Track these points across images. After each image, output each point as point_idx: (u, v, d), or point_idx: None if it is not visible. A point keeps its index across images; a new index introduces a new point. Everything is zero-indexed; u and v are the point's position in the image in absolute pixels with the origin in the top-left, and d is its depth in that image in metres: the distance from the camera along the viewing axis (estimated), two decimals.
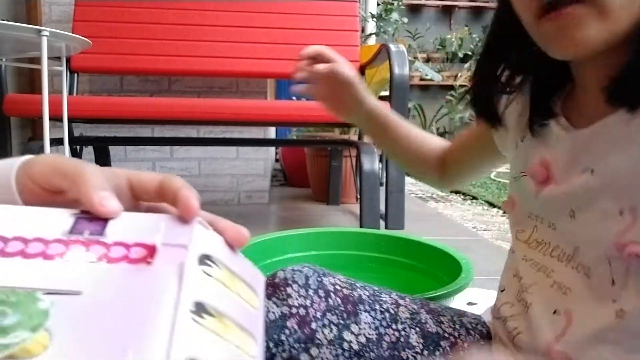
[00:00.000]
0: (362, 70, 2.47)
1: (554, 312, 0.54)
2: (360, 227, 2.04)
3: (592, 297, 0.52)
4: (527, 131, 0.58)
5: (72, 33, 1.76)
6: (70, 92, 2.32)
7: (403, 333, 0.62)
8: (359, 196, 2.30)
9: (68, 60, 2.22)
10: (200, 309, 0.26)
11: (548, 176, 0.55)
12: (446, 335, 0.63)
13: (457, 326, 0.65)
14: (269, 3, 2.52)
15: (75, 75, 2.44)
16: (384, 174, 2.26)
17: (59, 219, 0.29)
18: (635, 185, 0.47)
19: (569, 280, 0.54)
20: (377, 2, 3.13)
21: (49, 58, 1.48)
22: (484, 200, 3.23)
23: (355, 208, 2.41)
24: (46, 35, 1.44)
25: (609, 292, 0.50)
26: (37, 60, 1.61)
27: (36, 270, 0.26)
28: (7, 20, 1.55)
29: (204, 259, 0.29)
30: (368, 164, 2.04)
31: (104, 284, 0.26)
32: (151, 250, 0.28)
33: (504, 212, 0.67)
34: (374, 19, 3.04)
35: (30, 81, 2.55)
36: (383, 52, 2.15)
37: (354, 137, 2.85)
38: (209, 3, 2.49)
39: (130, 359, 0.22)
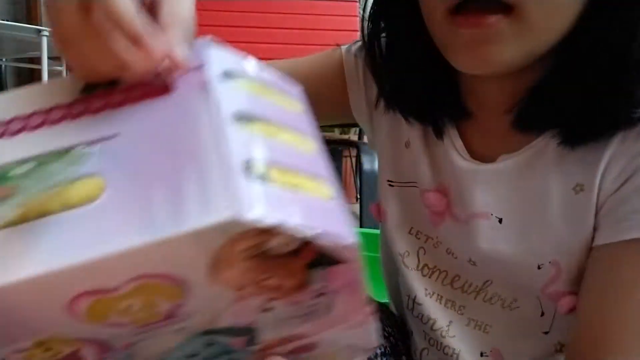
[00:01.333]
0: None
1: (481, 354, 0.49)
2: (360, 227, 2.04)
3: (518, 332, 0.47)
4: (416, 139, 0.50)
5: None
6: None
7: None
8: (358, 196, 2.30)
9: None
10: (241, 116, 0.25)
11: (447, 207, 0.48)
12: None
13: None
14: (269, 3, 2.52)
15: None
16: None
17: (70, 84, 0.28)
18: (553, 239, 0.43)
19: (485, 315, 0.48)
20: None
21: (49, 58, 1.48)
22: None
23: (355, 208, 2.41)
24: (46, 35, 1.44)
25: (539, 323, 0.46)
26: (37, 60, 1.61)
27: (66, 130, 0.26)
28: (7, 20, 1.55)
29: (227, 75, 0.27)
30: (368, 164, 2.04)
31: (136, 122, 0.25)
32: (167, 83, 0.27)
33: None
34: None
35: (30, 81, 2.54)
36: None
37: (354, 137, 2.85)
38: (209, 3, 2.49)
39: (191, 178, 0.22)
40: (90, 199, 0.22)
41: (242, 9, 2.52)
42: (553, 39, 0.38)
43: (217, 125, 0.24)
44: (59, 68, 1.73)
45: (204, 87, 0.25)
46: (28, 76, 2.54)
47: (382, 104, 0.52)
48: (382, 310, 0.60)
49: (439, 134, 0.48)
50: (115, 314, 0.24)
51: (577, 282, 0.43)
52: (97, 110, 0.26)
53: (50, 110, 0.27)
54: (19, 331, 0.23)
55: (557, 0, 0.36)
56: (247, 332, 0.30)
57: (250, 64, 0.30)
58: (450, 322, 0.50)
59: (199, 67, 0.27)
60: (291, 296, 0.29)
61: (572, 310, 0.44)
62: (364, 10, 0.50)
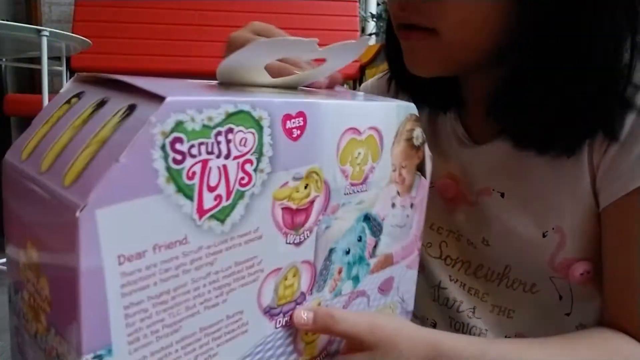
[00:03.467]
0: (362, 70, 2.47)
1: (506, 337, 0.52)
2: None
3: (540, 315, 0.49)
4: (427, 138, 0.54)
5: (72, 33, 1.76)
6: None
7: None
8: None
9: (68, 60, 2.22)
10: None
11: (457, 193, 0.52)
12: None
13: None
14: (269, 3, 2.52)
15: (75, 75, 2.44)
16: None
17: None
18: (552, 206, 0.46)
19: (508, 300, 0.51)
20: (377, 2, 3.13)
21: (49, 58, 1.48)
22: None
23: None
24: (46, 35, 1.44)
25: (559, 306, 0.48)
26: (37, 60, 1.61)
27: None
28: (7, 20, 1.55)
29: None
30: None
31: None
32: None
33: None
34: (374, 19, 3.04)
35: (30, 81, 2.55)
36: (383, 52, 2.15)
37: None
38: (209, 3, 2.49)
39: None
40: None
41: (242, 9, 2.52)
42: (478, 51, 0.44)
43: None
44: (59, 68, 1.73)
45: None
46: (28, 76, 2.54)
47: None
48: None
49: (444, 110, 0.54)
50: (351, 160, 0.35)
51: (585, 249, 0.45)
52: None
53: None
54: (309, 153, 0.32)
55: (470, 25, 0.41)
56: (379, 232, 0.39)
57: None
58: (475, 307, 0.53)
59: None
60: (404, 195, 0.41)
61: (583, 275, 0.46)
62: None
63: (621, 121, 0.41)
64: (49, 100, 1.50)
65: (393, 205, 0.40)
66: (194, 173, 0.26)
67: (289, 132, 0.30)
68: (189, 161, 0.25)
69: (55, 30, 1.48)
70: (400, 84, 0.55)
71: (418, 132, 0.41)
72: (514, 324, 0.51)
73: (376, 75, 0.65)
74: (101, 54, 2.31)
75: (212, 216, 0.27)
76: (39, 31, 1.43)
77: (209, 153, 0.26)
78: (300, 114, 0.31)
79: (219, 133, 0.26)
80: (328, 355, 0.38)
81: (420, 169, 0.42)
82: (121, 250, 0.24)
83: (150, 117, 0.23)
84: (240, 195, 0.28)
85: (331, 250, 0.36)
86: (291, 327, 0.34)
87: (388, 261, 0.41)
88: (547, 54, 0.41)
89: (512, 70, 0.44)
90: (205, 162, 0.26)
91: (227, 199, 0.27)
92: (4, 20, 1.55)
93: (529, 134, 0.45)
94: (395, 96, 0.55)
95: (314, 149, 0.32)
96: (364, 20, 2.93)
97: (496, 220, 0.49)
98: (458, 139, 0.52)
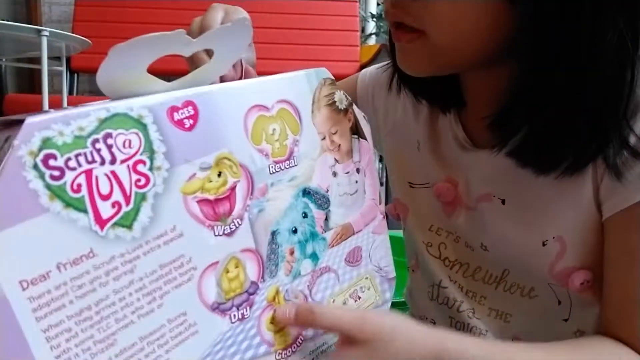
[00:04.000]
0: (362, 70, 2.47)
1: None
2: None
3: (538, 319, 0.49)
4: (425, 141, 0.54)
5: (72, 33, 1.76)
6: (70, 92, 2.32)
7: None
8: None
9: (68, 60, 2.22)
10: None
11: (456, 197, 0.51)
12: None
13: None
14: (269, 3, 2.52)
15: (75, 75, 2.44)
16: (384, 174, 2.26)
17: None
18: (554, 215, 0.44)
19: (506, 304, 0.50)
20: (377, 2, 3.13)
21: (49, 58, 1.48)
22: None
23: None
24: (46, 35, 1.43)
25: (557, 311, 0.48)
26: (37, 60, 1.61)
27: None
28: (7, 20, 1.55)
29: None
30: None
31: None
32: None
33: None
34: (374, 19, 3.04)
35: (30, 81, 2.55)
36: (383, 52, 2.15)
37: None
38: (209, 3, 2.48)
39: None
40: None
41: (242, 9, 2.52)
42: (469, 54, 0.42)
43: None
44: (59, 68, 1.73)
45: None
46: (28, 76, 2.54)
47: (386, 129, 0.58)
48: None
49: (445, 110, 0.52)
50: (266, 138, 0.34)
51: (585, 257, 0.45)
52: None
53: None
54: (211, 141, 0.31)
55: (459, 28, 0.40)
56: (326, 204, 0.38)
57: None
58: (474, 308, 0.52)
59: None
60: (345, 162, 0.40)
61: (583, 284, 0.45)
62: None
63: (624, 142, 0.40)
64: (49, 100, 1.50)
65: (334, 174, 0.39)
66: (79, 185, 0.25)
67: (179, 124, 0.30)
68: (69, 175, 0.25)
69: (55, 30, 1.48)
70: (402, 79, 0.54)
71: (340, 95, 0.39)
72: (511, 327, 0.50)
73: (375, 66, 0.63)
74: (101, 54, 2.28)
75: (116, 224, 0.27)
76: (39, 31, 1.43)
77: (89, 162, 0.26)
78: (189, 103, 0.30)
79: (95, 141, 0.26)
80: (305, 340, 0.37)
81: (356, 131, 0.41)
82: (21, 275, 0.23)
83: (13, 142, 0.23)
84: (142, 197, 0.28)
85: (274, 233, 0.35)
86: (251, 319, 0.33)
87: (348, 231, 0.40)
88: (544, 61, 0.39)
89: (510, 78, 0.42)
90: (89, 172, 0.26)
91: (127, 204, 0.27)
92: (4, 20, 1.55)
93: (530, 154, 0.43)
94: (398, 92, 0.55)
95: (217, 135, 0.31)
96: (364, 20, 2.93)
97: (495, 227, 0.48)
98: (458, 142, 0.51)
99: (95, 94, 2.64)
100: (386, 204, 0.52)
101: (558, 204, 0.44)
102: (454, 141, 0.51)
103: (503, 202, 0.47)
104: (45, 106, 1.48)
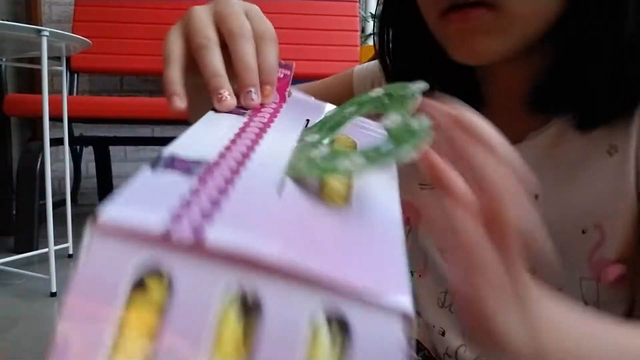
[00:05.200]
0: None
1: None
2: None
3: None
4: None
5: (72, 33, 1.76)
6: (70, 92, 2.32)
7: None
8: None
9: (68, 60, 2.22)
10: None
11: None
12: None
13: None
14: (269, 3, 2.52)
15: (75, 75, 2.44)
16: None
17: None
18: (592, 205, 0.43)
19: None
20: (377, 2, 3.14)
21: (49, 58, 1.48)
22: None
23: None
24: (46, 35, 1.44)
25: None
26: (37, 60, 1.61)
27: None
28: (7, 20, 1.55)
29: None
30: None
31: None
32: None
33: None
34: (374, 19, 3.04)
35: (30, 81, 2.55)
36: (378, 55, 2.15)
37: None
38: (209, 3, 2.49)
39: None
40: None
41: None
42: (539, 28, 0.40)
43: None
44: (59, 68, 1.73)
45: None
46: (28, 76, 2.54)
47: None
48: None
49: None
50: None
51: (623, 250, 0.43)
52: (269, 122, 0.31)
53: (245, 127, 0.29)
54: None
55: None
56: None
57: None
58: None
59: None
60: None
61: (617, 279, 0.44)
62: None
63: None
64: (49, 100, 1.51)
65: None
66: None
67: None
68: None
69: (55, 30, 1.48)
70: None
71: None
72: None
73: (372, 62, 0.59)
74: (101, 54, 2.31)
75: None
76: (39, 31, 1.43)
77: None
78: None
79: None
80: None
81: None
82: None
83: None
84: None
85: None
86: None
87: None
88: (598, 23, 0.38)
89: (555, 54, 0.41)
90: None
91: None
92: (4, 20, 1.55)
93: (592, 108, 0.41)
94: None
95: None
96: (364, 20, 2.93)
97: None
98: None
99: (95, 94, 2.64)
100: None
101: (596, 194, 0.43)
102: None
103: (536, 197, 0.45)
104: (45, 106, 1.48)
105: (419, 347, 0.60)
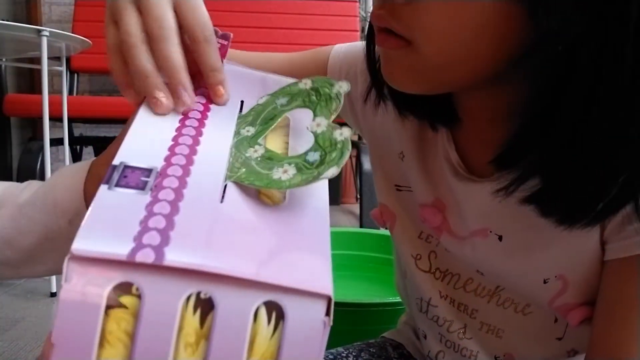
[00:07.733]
0: None
1: (495, 358, 0.49)
2: (360, 227, 2.04)
3: (532, 337, 0.46)
4: (409, 153, 0.48)
5: (72, 33, 1.76)
6: (70, 92, 2.32)
7: None
8: (358, 196, 2.30)
9: (68, 60, 2.22)
10: None
11: (443, 223, 0.47)
12: None
13: None
14: (269, 3, 2.52)
15: (75, 75, 2.44)
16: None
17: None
18: (557, 254, 0.41)
19: (498, 319, 0.47)
20: None
21: (49, 58, 1.48)
22: None
23: (355, 208, 2.41)
24: (46, 35, 1.43)
25: (551, 329, 0.45)
26: (37, 60, 1.61)
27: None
28: (7, 20, 1.55)
29: None
30: (368, 164, 2.04)
31: None
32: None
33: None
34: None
35: (30, 81, 2.55)
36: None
37: (354, 137, 2.85)
38: (209, 3, 2.47)
39: None
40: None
41: (242, 9, 2.52)
42: (468, 72, 0.35)
43: None
44: (59, 68, 1.73)
45: None
46: (28, 76, 2.54)
47: (369, 105, 0.50)
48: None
49: (434, 128, 0.46)
50: None
51: (587, 294, 0.42)
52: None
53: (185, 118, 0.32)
54: None
55: (454, 39, 0.33)
56: None
57: None
58: (465, 325, 0.50)
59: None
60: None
61: (583, 322, 0.42)
62: (364, 10, 0.48)
63: None
64: (49, 100, 1.50)
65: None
66: None
67: None
68: None
69: (55, 30, 1.48)
70: (380, 92, 0.45)
71: None
72: (502, 343, 0.48)
73: (351, 49, 0.54)
74: (101, 54, 2.29)
75: None
76: (39, 31, 1.43)
77: None
78: None
79: None
80: None
81: None
82: None
83: None
84: None
85: None
86: None
87: None
88: (566, 79, 0.32)
89: (515, 97, 0.36)
90: None
91: None
92: (4, 20, 1.55)
93: (552, 202, 0.37)
94: (377, 105, 0.47)
95: None
96: (364, 20, 2.93)
97: (491, 261, 0.45)
98: (451, 166, 0.44)
99: (95, 94, 2.64)
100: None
101: (562, 243, 0.40)
102: (446, 163, 0.45)
103: (500, 238, 0.43)
104: (45, 106, 1.48)
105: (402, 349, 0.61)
